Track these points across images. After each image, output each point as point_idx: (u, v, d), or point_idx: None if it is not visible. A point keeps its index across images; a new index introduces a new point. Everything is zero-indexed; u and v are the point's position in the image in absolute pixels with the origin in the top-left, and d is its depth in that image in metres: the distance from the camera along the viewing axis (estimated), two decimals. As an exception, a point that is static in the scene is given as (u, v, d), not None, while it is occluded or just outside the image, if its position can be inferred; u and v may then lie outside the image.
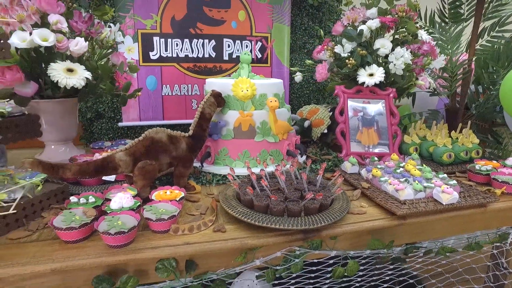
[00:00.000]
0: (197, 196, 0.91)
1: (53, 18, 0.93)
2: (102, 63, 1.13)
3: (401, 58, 1.15)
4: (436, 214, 0.86)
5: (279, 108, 1.08)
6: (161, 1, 1.81)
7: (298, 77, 1.52)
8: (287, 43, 2.01)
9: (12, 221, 0.73)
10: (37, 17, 0.95)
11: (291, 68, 1.70)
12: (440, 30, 1.73)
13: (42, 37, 0.92)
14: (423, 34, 1.24)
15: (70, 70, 0.97)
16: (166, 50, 1.86)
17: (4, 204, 0.73)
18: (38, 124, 0.81)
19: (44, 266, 0.63)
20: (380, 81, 1.18)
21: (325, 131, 1.30)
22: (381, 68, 1.19)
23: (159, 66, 1.86)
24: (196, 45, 1.90)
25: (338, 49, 1.24)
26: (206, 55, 1.92)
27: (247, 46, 1.98)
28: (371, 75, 1.20)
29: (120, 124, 1.77)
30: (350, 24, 1.30)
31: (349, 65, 1.19)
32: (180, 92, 1.93)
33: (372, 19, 1.24)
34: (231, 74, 1.22)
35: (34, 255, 0.66)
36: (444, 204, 0.85)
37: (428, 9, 1.78)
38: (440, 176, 0.97)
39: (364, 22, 1.28)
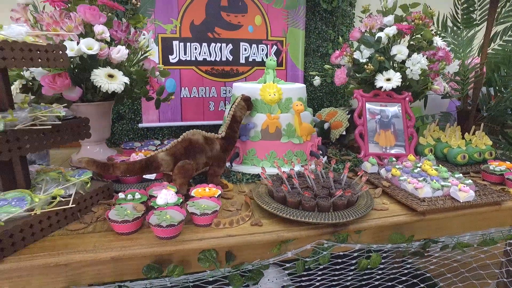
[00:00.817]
0: (230, 194, 0.98)
1: (98, 28, 1.01)
2: (136, 66, 1.20)
3: (417, 64, 1.21)
4: (453, 211, 0.92)
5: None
6: (181, 6, 1.89)
7: (317, 81, 1.59)
8: (302, 47, 2.08)
9: (69, 214, 0.81)
10: (82, 27, 1.03)
11: (311, 73, 1.77)
12: (453, 34, 1.79)
13: (88, 46, 1.00)
14: (438, 41, 1.30)
15: (110, 76, 1.05)
16: (185, 54, 1.93)
17: (63, 199, 0.80)
18: (88, 126, 0.89)
19: (104, 254, 0.71)
20: (396, 86, 1.24)
21: (344, 133, 1.37)
22: (398, 73, 1.25)
23: (178, 69, 1.94)
24: (214, 49, 1.97)
25: (356, 55, 1.30)
26: (224, 59, 2.00)
27: (263, 49, 2.05)
28: (388, 80, 1.26)
29: (140, 125, 1.85)
30: (368, 30, 1.36)
31: (367, 71, 1.26)
32: (198, 94, 2.00)
33: (389, 26, 1.31)
34: (258, 79, 1.29)
35: (94, 244, 0.73)
36: (461, 201, 0.92)
37: (441, 14, 1.84)
38: (456, 175, 1.03)
39: (381, 29, 1.34)
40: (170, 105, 1.92)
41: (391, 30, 1.26)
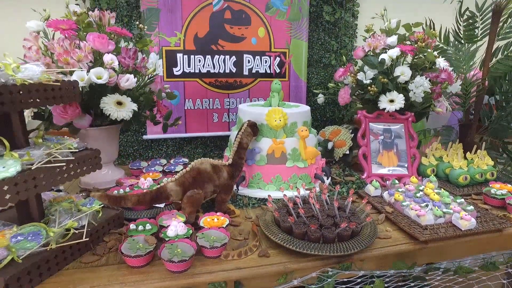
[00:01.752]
0: (237, 220, 1.01)
1: (107, 58, 1.03)
2: (143, 90, 1.22)
3: (420, 87, 1.23)
4: (455, 238, 0.95)
5: (307, 134, 1.17)
6: (184, 19, 1.90)
7: (321, 99, 1.60)
8: (305, 58, 2.09)
9: (82, 246, 0.84)
10: (91, 56, 1.05)
11: (315, 90, 1.79)
12: (454, 48, 1.80)
13: (97, 75, 1.02)
14: (441, 62, 1.31)
15: (119, 103, 1.07)
16: (189, 66, 1.95)
17: (76, 232, 0.83)
18: (99, 158, 0.91)
19: (118, 289, 0.74)
20: (399, 108, 1.26)
21: (347, 152, 1.39)
22: (401, 95, 1.27)
23: (182, 81, 1.96)
24: (218, 61, 1.99)
25: (360, 76, 1.32)
26: (227, 71, 2.02)
27: (266, 61, 2.07)
28: (391, 101, 1.28)
29: (144, 136, 1.87)
30: (371, 50, 1.38)
31: (371, 92, 1.28)
32: (202, 106, 2.03)
33: (393, 47, 1.33)
34: (263, 102, 1.30)
35: (108, 279, 0.76)
36: (462, 230, 0.94)
37: (443, 27, 1.85)
38: (458, 201, 1.06)
39: (384, 49, 1.36)
40: (174, 117, 1.94)
41: (395, 52, 1.28)
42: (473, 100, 1.77)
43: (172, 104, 1.96)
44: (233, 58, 2.00)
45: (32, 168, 0.74)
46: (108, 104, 1.04)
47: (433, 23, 1.87)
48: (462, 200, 1.06)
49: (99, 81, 1.01)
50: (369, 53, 1.38)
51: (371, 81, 1.31)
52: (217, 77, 2.00)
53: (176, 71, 1.94)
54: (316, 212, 0.95)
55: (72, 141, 0.90)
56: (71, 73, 1.04)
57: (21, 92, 0.72)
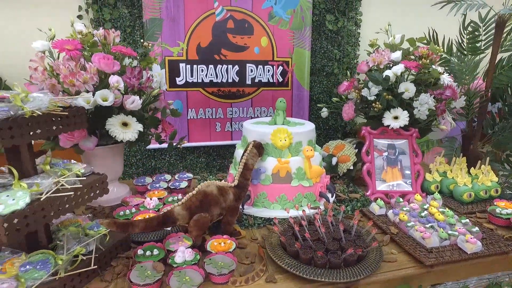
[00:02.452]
0: (243, 242, 1.01)
1: (113, 80, 1.03)
2: (148, 107, 1.22)
3: (425, 104, 1.23)
4: (460, 262, 0.95)
5: (312, 152, 1.17)
6: (187, 29, 1.90)
7: (325, 113, 1.60)
8: (307, 67, 2.09)
9: (90, 272, 0.84)
10: (97, 77, 1.05)
11: (319, 105, 1.79)
12: (457, 59, 1.80)
13: (103, 97, 1.02)
14: (445, 78, 1.31)
15: (125, 124, 1.07)
16: (191, 76, 1.95)
17: (84, 258, 0.83)
18: (106, 183, 0.92)
19: (127, 319, 0.74)
20: (404, 124, 1.27)
21: (351, 167, 1.39)
22: (406, 112, 1.27)
23: (185, 91, 1.96)
24: (220, 70, 1.99)
25: (365, 92, 1.32)
26: (230, 80, 2.02)
27: (269, 70, 2.07)
28: (395, 117, 1.29)
29: (147, 146, 1.87)
30: (376, 65, 1.38)
31: (375, 109, 1.28)
32: (205, 115, 2.03)
33: (397, 63, 1.33)
34: (268, 120, 1.30)
35: (117, 308, 0.76)
36: (468, 253, 0.95)
37: (446, 37, 1.85)
38: (463, 221, 1.06)
39: (389, 64, 1.36)
40: (177, 126, 1.94)
41: (399, 69, 1.28)
42: (477, 108, 1.76)
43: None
44: (236, 67, 2.00)
45: (41, 199, 0.74)
46: (114, 125, 1.04)
47: (436, 34, 1.87)
48: (467, 220, 1.06)
49: (105, 103, 1.01)
50: (373, 68, 1.38)
51: (375, 97, 1.31)
52: (220, 86, 2.00)
53: (179, 81, 1.94)
54: (322, 235, 0.95)
55: (79, 166, 0.90)
56: (77, 93, 1.04)
57: (30, 124, 0.72)
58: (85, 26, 1.19)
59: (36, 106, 0.76)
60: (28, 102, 0.78)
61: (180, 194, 1.21)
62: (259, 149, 1.11)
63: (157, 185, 1.32)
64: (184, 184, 1.33)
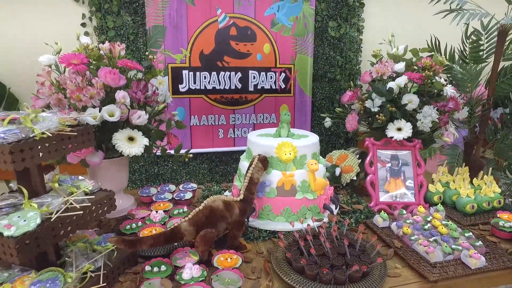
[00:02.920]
0: (249, 256, 1.02)
1: (119, 95, 1.04)
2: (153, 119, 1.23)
3: (428, 117, 1.24)
4: (464, 277, 0.96)
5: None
6: (190, 36, 1.91)
7: (328, 123, 1.61)
8: (310, 73, 2.10)
9: (99, 289, 0.85)
10: (103, 92, 1.06)
11: (322, 114, 1.79)
12: (459, 67, 1.81)
13: (110, 113, 1.03)
14: (448, 90, 1.32)
15: (131, 139, 1.08)
16: (194, 83, 1.97)
17: (93, 275, 0.84)
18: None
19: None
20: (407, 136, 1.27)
21: (354, 178, 1.40)
22: (409, 124, 1.28)
23: (187, 98, 1.97)
24: (223, 77, 2.00)
25: (368, 103, 1.33)
26: (233, 87, 2.03)
27: (271, 77, 2.08)
28: (399, 129, 1.29)
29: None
30: (379, 77, 1.39)
31: (379, 121, 1.29)
32: (208, 122, 2.04)
33: (400, 74, 1.33)
34: (272, 132, 1.31)
35: (126, 327, 0.77)
36: (472, 268, 0.96)
37: (449, 43, 1.85)
38: (466, 235, 1.07)
39: (392, 76, 1.36)
40: (180, 133, 1.95)
41: (402, 81, 1.29)
42: (478, 115, 1.77)
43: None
44: (239, 74, 2.01)
45: (52, 220, 0.75)
46: (120, 140, 1.05)
47: (439, 41, 1.87)
48: (470, 234, 1.07)
49: (112, 119, 1.02)
50: (376, 79, 1.39)
51: (379, 108, 1.32)
52: (223, 93, 2.01)
53: (182, 87, 1.95)
54: (327, 250, 0.96)
55: (87, 183, 0.91)
56: (83, 108, 1.05)
57: (40, 146, 0.73)
58: (90, 38, 1.20)
59: (45, 127, 0.77)
60: (38, 122, 0.79)
61: (185, 207, 1.22)
62: (264, 163, 1.11)
63: (162, 196, 1.33)
64: (189, 195, 1.34)
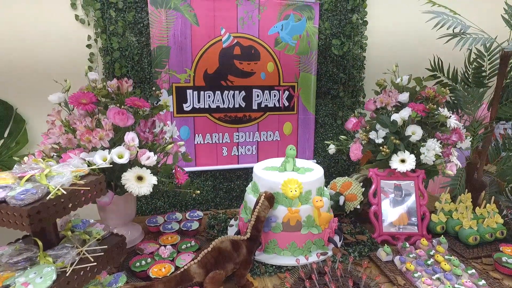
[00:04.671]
0: (256, 294, 1.05)
1: (128, 137, 1.06)
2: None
3: (432, 150, 1.26)
4: (466, 317, 0.99)
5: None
6: (194, 56, 1.92)
7: (332, 149, 1.63)
8: (313, 91, 2.12)
9: (112, 335, 0.88)
10: (112, 132, 1.07)
11: (326, 142, 1.81)
12: (462, 89, 1.82)
13: (119, 155, 1.05)
14: (452, 122, 1.34)
15: (139, 178, 1.10)
16: (198, 102, 1.98)
17: (106, 321, 0.87)
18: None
19: None
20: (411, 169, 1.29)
21: (358, 206, 1.43)
22: (412, 156, 1.30)
23: (192, 117, 1.98)
24: (227, 96, 2.02)
25: (372, 135, 1.35)
26: (236, 105, 2.04)
27: (275, 95, 2.09)
28: (402, 161, 1.31)
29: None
30: (383, 107, 1.40)
31: (383, 153, 1.31)
32: (212, 140, 2.06)
33: (404, 104, 1.35)
34: (278, 166, 1.33)
35: None
36: (474, 309, 0.98)
37: (451, 66, 1.86)
38: (469, 272, 1.09)
39: (397, 106, 1.38)
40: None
41: (406, 113, 1.30)
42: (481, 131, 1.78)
43: (182, 139, 1.99)
44: (243, 93, 2.02)
45: (67, 274, 0.78)
46: (129, 180, 1.07)
47: (441, 61, 1.88)
48: (473, 271, 1.10)
49: (121, 161, 1.04)
50: (381, 109, 1.40)
51: (383, 140, 1.34)
52: (227, 112, 2.03)
53: (186, 107, 1.96)
54: (332, 291, 0.99)
55: (98, 228, 0.93)
56: (93, 149, 1.07)
57: (55, 204, 0.75)
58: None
59: (59, 183, 0.79)
60: (52, 177, 0.81)
61: (192, 240, 1.24)
62: (271, 200, 1.13)
63: (169, 226, 1.35)
64: (195, 225, 1.36)
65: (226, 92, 2.00)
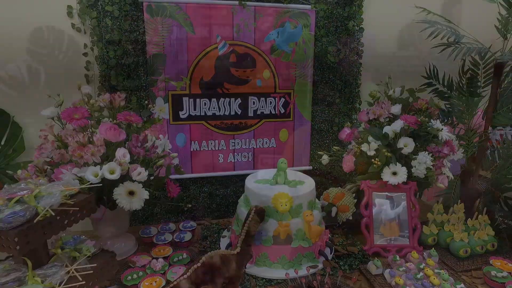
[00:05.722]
0: (246, 309, 1.06)
1: (120, 153, 1.07)
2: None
3: (423, 164, 1.26)
4: (454, 333, 1.00)
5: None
6: (190, 64, 1.93)
7: (325, 160, 1.64)
8: (309, 98, 2.12)
9: None
10: (104, 148, 1.09)
11: (319, 152, 1.81)
12: (456, 97, 1.82)
13: (111, 170, 1.06)
14: (443, 134, 1.34)
15: (131, 193, 1.11)
16: (194, 109, 1.99)
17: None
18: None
19: None
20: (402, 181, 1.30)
21: (350, 217, 1.43)
22: (404, 168, 1.31)
23: (188, 124, 1.99)
24: (223, 103, 2.02)
25: (364, 147, 1.35)
26: (232, 113, 2.05)
27: (271, 102, 2.09)
28: (394, 173, 1.32)
29: (151, 177, 1.91)
30: (376, 118, 1.40)
31: (375, 165, 1.31)
32: (208, 147, 2.06)
33: (397, 116, 1.35)
34: (270, 179, 1.34)
35: None
36: (462, 325, 0.99)
37: (446, 74, 1.86)
38: (458, 286, 1.10)
39: (390, 119, 1.38)
40: (180, 159, 1.97)
41: (398, 126, 1.31)
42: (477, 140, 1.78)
43: (178, 146, 2.00)
44: (238, 100, 2.03)
45: (55, 295, 0.79)
46: (121, 195, 1.08)
47: (436, 69, 1.88)
48: (462, 286, 1.10)
49: (112, 177, 1.05)
50: (373, 121, 1.41)
51: (375, 152, 1.34)
52: (223, 119, 2.03)
53: (182, 114, 1.97)
54: (321, 307, 1.00)
55: (89, 245, 0.95)
56: (85, 164, 1.08)
57: (44, 226, 0.77)
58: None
59: (48, 204, 0.80)
60: (40, 197, 0.82)
61: (184, 253, 1.25)
62: (261, 214, 1.14)
63: (162, 237, 1.36)
64: (188, 236, 1.37)
65: (222, 99, 2.01)
